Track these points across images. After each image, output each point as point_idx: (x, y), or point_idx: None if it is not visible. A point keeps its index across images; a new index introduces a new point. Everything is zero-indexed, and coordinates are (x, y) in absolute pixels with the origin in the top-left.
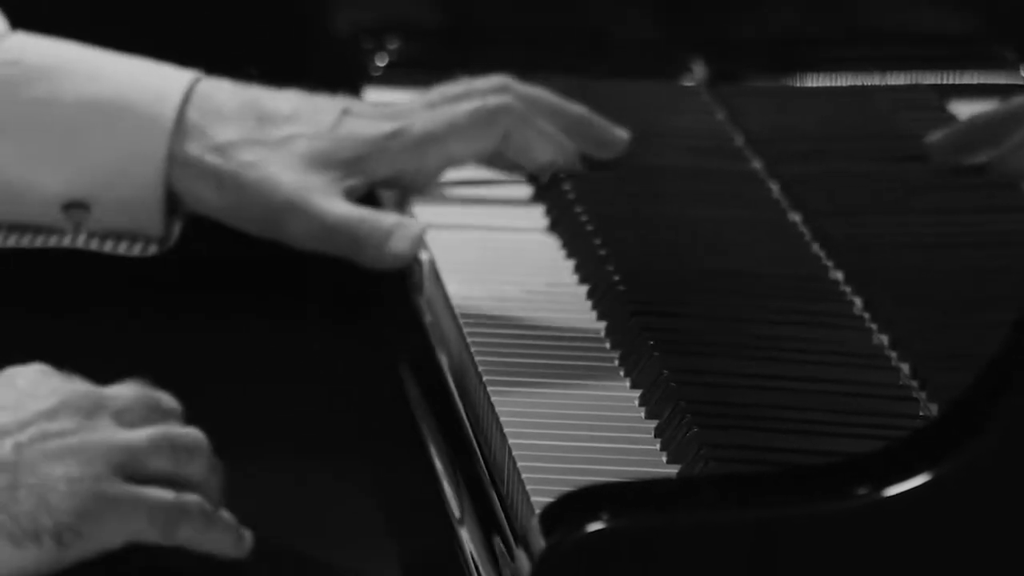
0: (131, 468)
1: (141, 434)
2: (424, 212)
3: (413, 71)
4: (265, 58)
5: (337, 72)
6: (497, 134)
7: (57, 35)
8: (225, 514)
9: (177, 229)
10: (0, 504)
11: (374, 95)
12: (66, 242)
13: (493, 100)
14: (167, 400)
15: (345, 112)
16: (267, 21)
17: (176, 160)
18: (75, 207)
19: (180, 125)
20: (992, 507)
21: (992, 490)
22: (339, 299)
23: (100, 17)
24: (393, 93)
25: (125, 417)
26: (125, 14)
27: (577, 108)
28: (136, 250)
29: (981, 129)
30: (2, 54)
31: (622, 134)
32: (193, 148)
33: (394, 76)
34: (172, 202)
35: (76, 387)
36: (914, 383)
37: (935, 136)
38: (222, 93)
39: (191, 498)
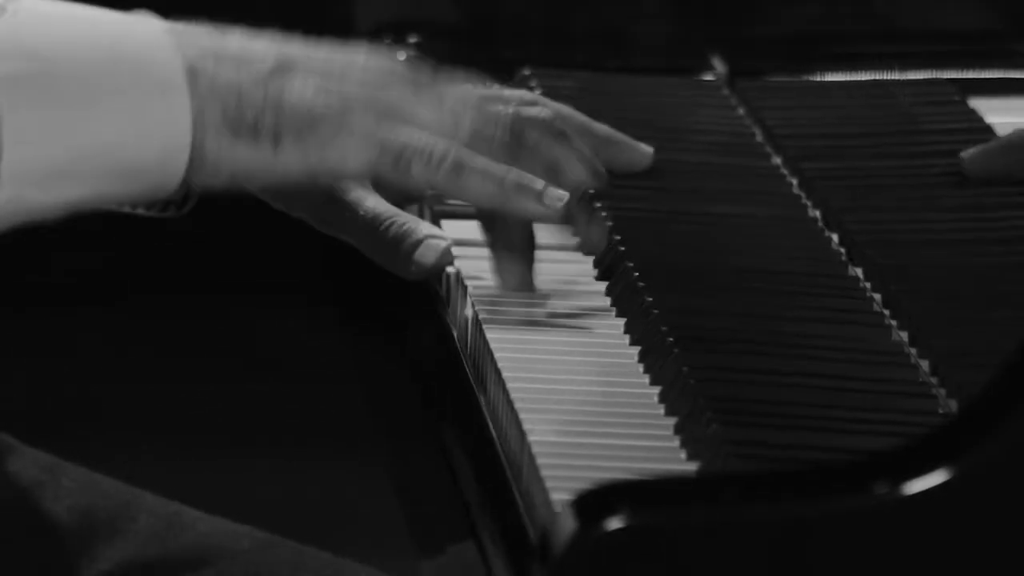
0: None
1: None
2: (450, 226)
3: (432, 66)
4: None
5: None
6: (521, 146)
7: None
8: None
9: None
10: (233, 92)
11: None
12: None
13: (531, 110)
14: None
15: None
16: (288, 17)
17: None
18: None
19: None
20: (1011, 505)
21: (1011, 488)
22: (359, 299)
23: None
24: None
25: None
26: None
27: (604, 127)
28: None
29: (1018, 147)
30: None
31: (647, 150)
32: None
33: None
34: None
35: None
36: (933, 380)
37: (969, 152)
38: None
39: (438, 143)
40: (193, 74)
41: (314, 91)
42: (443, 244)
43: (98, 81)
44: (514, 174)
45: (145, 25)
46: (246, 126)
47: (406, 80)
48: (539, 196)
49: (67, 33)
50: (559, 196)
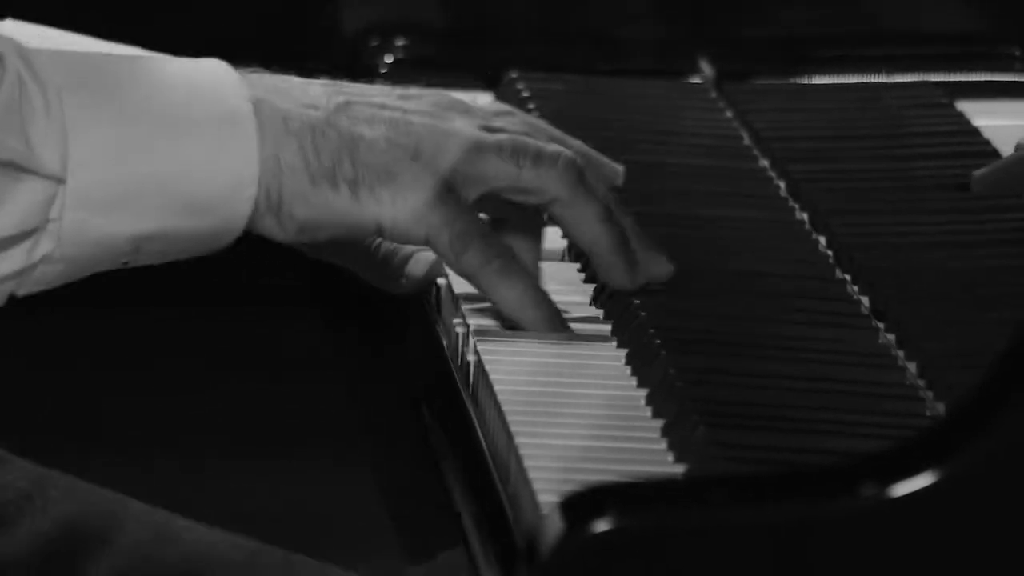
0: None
1: (492, 136)
2: None
3: (419, 69)
4: (272, 56)
5: (344, 70)
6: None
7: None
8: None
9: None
10: (309, 134)
11: None
12: None
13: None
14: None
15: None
16: (274, 18)
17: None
18: None
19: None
20: (998, 507)
21: (998, 490)
22: (350, 304)
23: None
24: None
25: (492, 122)
26: (123, 14)
27: (578, 143)
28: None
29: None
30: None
31: (618, 167)
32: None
33: (400, 74)
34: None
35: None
36: (921, 383)
37: (980, 172)
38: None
39: (497, 241)
40: (259, 106)
41: (383, 134)
42: (432, 256)
43: (165, 110)
44: (545, 308)
45: (209, 63)
46: (325, 172)
47: (463, 109)
48: (554, 326)
49: (136, 64)
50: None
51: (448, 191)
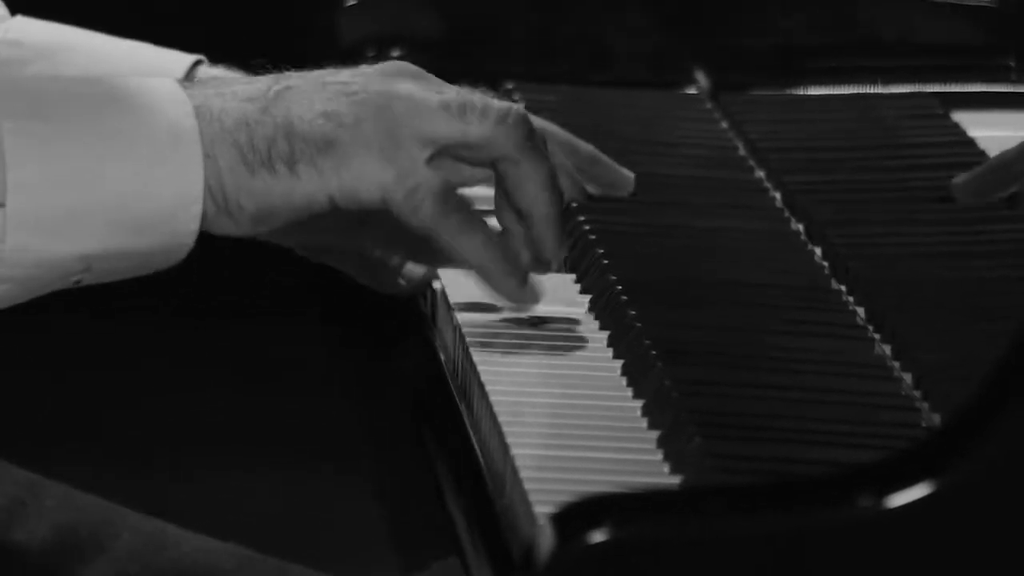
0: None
1: (438, 95)
2: None
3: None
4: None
5: None
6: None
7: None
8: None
9: None
10: (242, 127)
11: None
12: None
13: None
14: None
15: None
16: (271, 29)
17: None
18: None
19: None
20: (994, 518)
21: (994, 501)
22: (347, 314)
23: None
24: None
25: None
26: (126, 17)
27: (588, 146)
28: None
29: (1005, 167)
30: (4, 35)
31: (629, 175)
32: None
33: None
34: None
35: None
36: (917, 394)
37: (959, 178)
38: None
39: (453, 191)
40: (199, 112)
41: (321, 109)
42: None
43: (105, 132)
44: (511, 253)
45: (157, 82)
46: (260, 158)
47: (411, 73)
48: (520, 284)
49: (77, 86)
50: (535, 296)
51: (396, 149)
